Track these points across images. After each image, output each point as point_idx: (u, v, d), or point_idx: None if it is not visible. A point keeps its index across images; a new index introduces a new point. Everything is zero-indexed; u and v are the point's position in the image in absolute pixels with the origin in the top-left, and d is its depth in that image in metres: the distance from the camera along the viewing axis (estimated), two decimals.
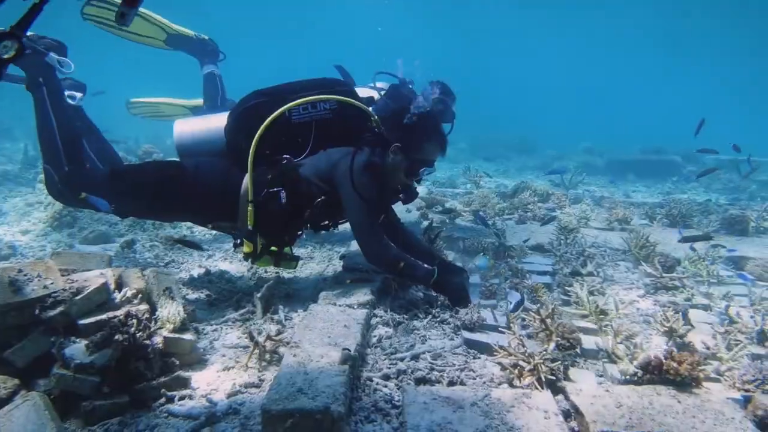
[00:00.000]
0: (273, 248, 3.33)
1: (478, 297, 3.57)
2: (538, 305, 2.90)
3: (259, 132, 3.03)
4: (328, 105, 3.23)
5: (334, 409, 2.04)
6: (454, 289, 3.30)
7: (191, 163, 3.34)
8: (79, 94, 3.61)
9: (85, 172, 3.37)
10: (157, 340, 2.32)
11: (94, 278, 2.33)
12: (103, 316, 2.20)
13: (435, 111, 4.63)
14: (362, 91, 4.70)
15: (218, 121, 3.41)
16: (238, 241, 3.38)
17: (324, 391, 2.14)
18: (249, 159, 3.04)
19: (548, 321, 2.70)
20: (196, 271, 3.97)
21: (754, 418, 2.06)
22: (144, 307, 2.33)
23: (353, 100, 3.26)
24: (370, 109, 3.41)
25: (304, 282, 3.92)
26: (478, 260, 4.04)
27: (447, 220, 5.76)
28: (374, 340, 2.92)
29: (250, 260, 3.33)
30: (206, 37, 5.20)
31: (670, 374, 2.26)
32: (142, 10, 4.97)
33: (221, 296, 3.48)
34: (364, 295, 3.33)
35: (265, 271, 4.10)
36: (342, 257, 4.14)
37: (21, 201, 5.44)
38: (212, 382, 2.40)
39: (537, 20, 36.37)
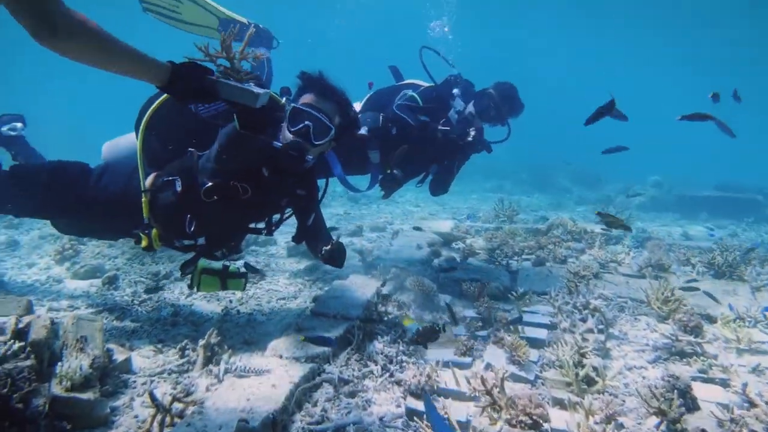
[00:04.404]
0: (211, 266, 3.12)
1: (452, 353, 3.16)
2: (483, 372, 2.45)
3: (147, 114, 2.91)
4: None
5: None
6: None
7: (99, 166, 3.27)
8: (19, 125, 3.68)
9: None
10: (40, 401, 2.11)
11: None
12: None
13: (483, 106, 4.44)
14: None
15: None
16: (136, 238, 3.17)
17: None
18: (138, 147, 2.94)
19: (495, 392, 2.26)
20: (167, 311, 3.82)
21: None
22: (27, 363, 2.13)
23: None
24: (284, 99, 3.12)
25: (275, 326, 3.65)
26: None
27: (458, 259, 5.34)
28: (310, 403, 2.59)
29: (191, 286, 3.14)
30: (261, 26, 5.16)
31: None
32: None
33: (176, 341, 3.28)
34: (317, 346, 3.02)
35: (237, 313, 3.88)
36: (315, 299, 3.86)
37: (37, 233, 5.63)
38: None
39: (606, 48, 34.95)
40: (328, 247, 3.06)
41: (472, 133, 4.37)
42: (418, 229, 6.67)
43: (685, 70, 34.08)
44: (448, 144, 4.42)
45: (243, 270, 3.22)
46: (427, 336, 2.95)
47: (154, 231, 2.99)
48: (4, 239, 5.54)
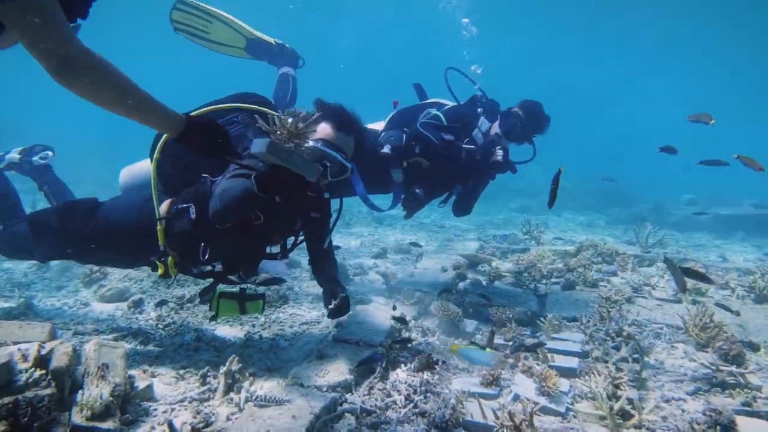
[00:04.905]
0: (229, 290, 3.11)
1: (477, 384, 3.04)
2: (510, 406, 2.34)
3: (161, 142, 2.93)
4: (240, 119, 3.08)
5: None
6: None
7: (111, 198, 3.37)
8: (50, 153, 3.79)
9: (13, 227, 3.45)
10: (59, 431, 2.09)
11: (4, 355, 2.18)
12: None
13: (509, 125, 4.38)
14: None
15: None
16: (152, 266, 3.22)
17: None
18: (152, 174, 2.97)
19: (525, 427, 2.15)
20: (190, 336, 3.81)
21: None
22: (47, 392, 2.12)
23: (263, 108, 3.05)
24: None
25: (297, 352, 3.59)
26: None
27: (484, 282, 5.22)
28: None
29: (211, 314, 3.19)
30: (287, 45, 5.24)
31: None
32: (223, 14, 5.16)
33: (198, 367, 3.24)
34: (339, 375, 2.95)
35: (260, 338, 3.84)
36: (337, 325, 3.79)
37: None
38: None
39: (637, 62, 34.56)
40: (332, 306, 3.06)
41: (500, 152, 4.30)
42: (415, 245, 6.61)
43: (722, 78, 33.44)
44: (472, 163, 4.36)
45: (261, 291, 3.20)
46: (423, 366, 3.02)
47: (170, 258, 3.01)
48: (36, 262, 5.65)
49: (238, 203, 2.73)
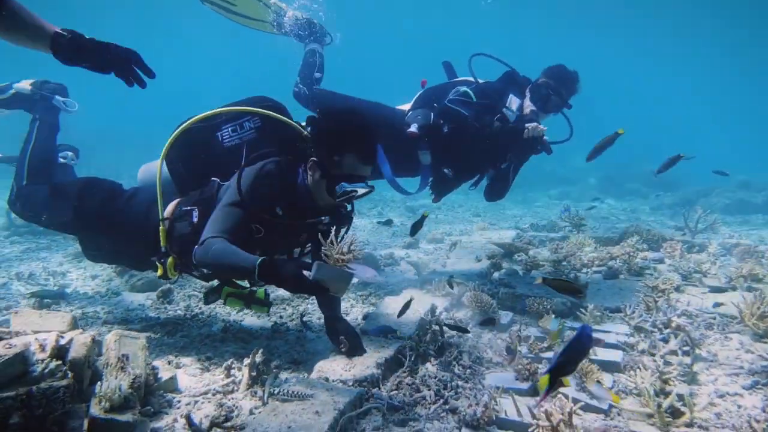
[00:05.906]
0: (237, 291, 3.02)
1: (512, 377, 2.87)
2: (547, 402, 2.15)
3: (168, 142, 2.93)
4: (253, 123, 3.01)
5: None
6: (289, 275, 2.49)
7: (132, 187, 3.36)
8: (71, 153, 3.79)
9: (36, 186, 3.47)
10: (76, 423, 2.03)
11: (21, 345, 2.14)
12: (10, 393, 1.96)
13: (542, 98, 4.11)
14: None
15: None
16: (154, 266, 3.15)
17: None
18: (158, 174, 2.93)
19: (563, 428, 1.96)
20: (217, 326, 3.76)
21: None
22: (63, 383, 2.06)
23: (276, 114, 2.95)
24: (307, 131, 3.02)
25: (324, 344, 3.48)
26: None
27: (521, 272, 5.00)
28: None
29: (214, 298, 3.08)
30: (315, 21, 5.13)
31: None
32: None
33: (224, 358, 3.18)
34: (366, 369, 2.82)
35: (287, 329, 3.76)
36: (365, 317, 3.67)
37: None
38: None
39: (681, 37, 33.04)
40: (343, 349, 2.91)
41: (543, 131, 4.01)
42: (387, 223, 6.36)
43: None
44: (504, 138, 4.07)
45: (270, 300, 3.07)
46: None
47: (170, 260, 2.95)
48: (72, 251, 5.76)
49: (227, 272, 2.78)
